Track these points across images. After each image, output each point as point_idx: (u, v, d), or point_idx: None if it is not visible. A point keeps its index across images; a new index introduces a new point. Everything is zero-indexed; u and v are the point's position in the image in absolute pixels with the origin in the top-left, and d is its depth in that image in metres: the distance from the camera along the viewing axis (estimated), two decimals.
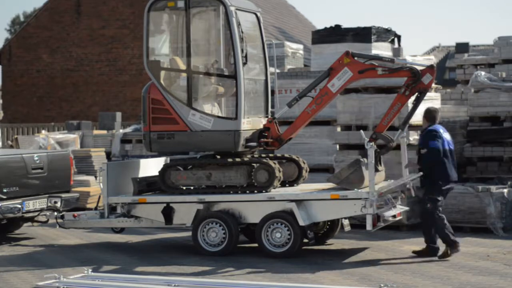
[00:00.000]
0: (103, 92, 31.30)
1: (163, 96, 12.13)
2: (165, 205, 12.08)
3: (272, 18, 35.09)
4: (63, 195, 13.53)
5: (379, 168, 11.87)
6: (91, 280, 9.86)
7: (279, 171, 11.91)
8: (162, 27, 12.86)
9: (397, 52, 15.32)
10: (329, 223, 12.51)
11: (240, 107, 11.90)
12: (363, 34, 14.98)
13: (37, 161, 13.46)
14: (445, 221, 11.39)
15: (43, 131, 23.11)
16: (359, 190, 11.35)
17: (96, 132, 20.69)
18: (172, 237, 13.66)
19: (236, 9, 12.01)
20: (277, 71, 14.25)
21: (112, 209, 12.52)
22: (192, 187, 12.16)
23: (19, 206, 12.91)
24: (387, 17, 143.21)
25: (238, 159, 11.98)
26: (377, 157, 11.75)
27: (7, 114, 32.38)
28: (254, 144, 12.06)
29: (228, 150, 12.06)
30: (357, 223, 12.88)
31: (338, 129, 14.69)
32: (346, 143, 14.33)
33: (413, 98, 12.04)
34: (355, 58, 11.84)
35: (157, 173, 12.36)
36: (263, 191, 11.82)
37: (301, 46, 20.52)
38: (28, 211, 13.18)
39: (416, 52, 57.88)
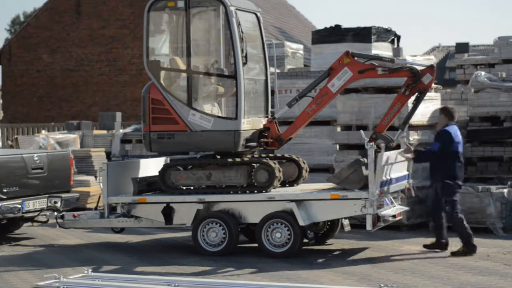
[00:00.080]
0: (103, 92, 31.30)
1: (163, 96, 12.13)
2: (165, 205, 12.08)
3: (272, 18, 35.09)
4: (63, 195, 13.53)
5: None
6: (91, 280, 9.86)
7: (279, 171, 11.91)
8: (162, 27, 12.85)
9: (397, 52, 15.31)
10: (329, 223, 12.51)
11: (240, 107, 11.90)
12: (363, 34, 14.98)
13: (37, 161, 13.46)
14: (465, 222, 11.54)
15: (43, 131, 23.11)
16: (359, 190, 11.35)
17: (96, 132, 20.69)
18: (172, 237, 13.66)
19: (236, 9, 12.01)
20: (277, 71, 14.25)
21: (112, 209, 12.52)
22: (192, 187, 12.16)
23: (19, 206, 12.91)
24: (387, 17, 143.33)
25: (238, 159, 11.98)
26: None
27: (7, 114, 32.38)
28: (254, 144, 12.06)
29: (228, 150, 12.06)
30: (357, 223, 12.88)
31: (338, 129, 14.69)
32: (346, 143, 14.33)
33: (413, 98, 12.05)
34: (355, 58, 11.84)
35: (157, 173, 12.36)
36: (263, 191, 11.82)
37: (301, 46, 20.51)
38: (28, 211, 13.18)
39: (416, 52, 57.91)
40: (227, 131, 11.93)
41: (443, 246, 11.76)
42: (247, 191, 11.92)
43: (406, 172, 12.37)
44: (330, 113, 14.58)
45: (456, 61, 19.65)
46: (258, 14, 12.80)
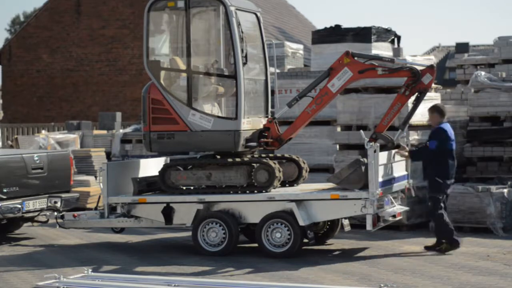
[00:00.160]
0: (103, 92, 31.31)
1: (163, 96, 12.12)
2: (165, 205, 12.08)
3: (272, 18, 35.09)
4: (63, 195, 13.53)
5: None
6: (91, 280, 9.86)
7: (279, 171, 11.91)
8: (162, 27, 12.85)
9: (397, 52, 15.31)
10: (329, 223, 12.51)
11: (240, 107, 11.90)
12: (363, 34, 14.98)
13: (37, 161, 13.46)
14: (446, 218, 11.61)
15: (43, 131, 23.11)
16: (359, 190, 11.35)
17: (96, 132, 20.69)
18: (172, 237, 13.66)
19: (236, 9, 12.01)
20: (277, 71, 14.25)
21: (112, 209, 12.52)
22: (192, 187, 12.16)
23: (19, 206, 12.91)
24: (387, 17, 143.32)
25: (238, 159, 11.98)
26: None
27: (7, 114, 32.38)
28: (254, 144, 12.06)
29: (228, 150, 12.06)
30: (357, 223, 12.88)
31: (338, 129, 14.68)
32: (346, 143, 14.33)
33: (413, 98, 12.06)
34: (355, 58, 11.84)
35: (157, 173, 12.36)
36: (263, 191, 11.82)
37: (301, 46, 20.51)
38: (28, 211, 13.18)
39: (416, 52, 57.91)
40: (227, 131, 11.92)
41: (455, 245, 11.74)
42: (247, 191, 11.92)
43: (405, 172, 12.38)
44: (330, 113, 14.58)
45: (456, 61, 19.65)
46: (258, 14, 12.80)
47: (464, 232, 13.16)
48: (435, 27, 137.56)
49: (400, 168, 12.22)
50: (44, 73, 32.03)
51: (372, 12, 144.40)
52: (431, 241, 11.98)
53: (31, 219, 13.95)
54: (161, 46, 12.92)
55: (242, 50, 11.90)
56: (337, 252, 12.05)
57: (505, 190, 13.39)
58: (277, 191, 11.92)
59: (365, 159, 11.39)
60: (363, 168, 11.36)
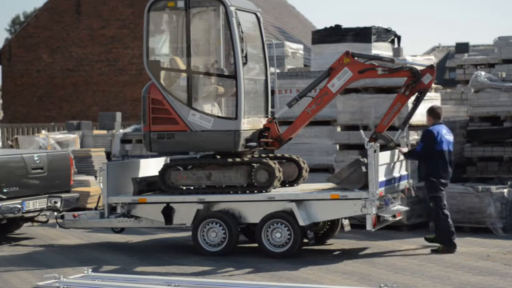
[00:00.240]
0: (103, 92, 31.31)
1: (163, 96, 12.12)
2: (165, 205, 12.08)
3: (272, 18, 35.08)
4: (63, 195, 13.53)
5: None
6: (91, 280, 9.86)
7: (279, 171, 11.91)
8: (162, 27, 12.85)
9: (397, 52, 15.31)
10: (329, 223, 12.51)
11: (240, 107, 11.90)
12: (363, 34, 14.98)
13: (37, 161, 13.46)
14: (449, 220, 11.65)
15: (43, 131, 23.11)
16: (359, 190, 11.35)
17: (96, 132, 20.69)
18: (172, 237, 13.66)
19: (236, 9, 12.01)
20: (277, 71, 14.24)
21: (112, 209, 12.52)
22: (192, 187, 12.16)
23: (19, 206, 12.91)
24: (387, 17, 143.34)
25: (238, 159, 11.98)
26: None
27: (7, 114, 32.39)
28: (254, 144, 12.06)
29: (228, 150, 12.06)
30: (357, 223, 12.88)
31: (338, 129, 14.68)
32: (346, 143, 14.33)
33: (413, 98, 12.06)
34: (355, 58, 11.85)
35: (157, 173, 12.36)
36: (263, 191, 11.82)
37: (301, 46, 20.51)
38: (28, 211, 13.19)
39: (416, 52, 57.90)
40: (227, 131, 11.92)
41: (452, 249, 11.77)
42: (247, 191, 11.91)
43: (405, 172, 12.38)
44: (330, 113, 14.58)
45: (456, 61, 19.65)
46: (258, 14, 12.79)
47: (464, 232, 13.17)
48: (435, 27, 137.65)
49: (400, 168, 12.21)
50: (44, 73, 32.03)
51: (372, 12, 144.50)
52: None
53: (31, 219, 13.95)
54: (161, 46, 12.92)
55: (242, 50, 11.90)
56: (337, 252, 12.05)
57: (505, 190, 13.39)
58: (277, 191, 11.92)
59: (365, 159, 11.39)
60: (363, 168, 11.36)
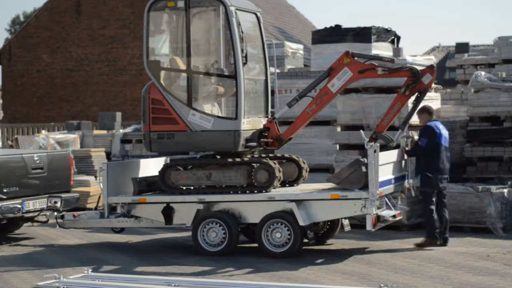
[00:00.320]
0: (103, 92, 31.31)
1: (163, 96, 12.12)
2: (165, 205, 12.08)
3: (272, 18, 35.09)
4: (63, 195, 13.53)
5: None
6: (91, 280, 9.86)
7: (279, 171, 11.91)
8: (162, 27, 12.85)
9: (397, 52, 15.31)
10: (329, 223, 12.51)
11: (240, 107, 11.90)
12: (363, 34, 14.99)
13: (37, 161, 13.46)
14: (434, 215, 11.89)
15: (43, 131, 23.11)
16: (359, 190, 11.35)
17: (96, 132, 20.69)
18: (172, 237, 13.66)
19: (236, 9, 12.01)
20: (277, 71, 14.25)
21: (112, 209, 12.52)
22: (192, 187, 12.16)
23: (19, 206, 12.91)
24: (387, 17, 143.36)
25: (238, 159, 11.98)
26: None
27: (7, 114, 32.38)
28: (254, 144, 12.06)
29: (228, 150, 12.06)
30: (357, 223, 12.88)
31: (338, 129, 14.69)
32: (346, 143, 14.33)
33: (413, 98, 12.07)
34: (355, 58, 11.85)
35: (157, 173, 12.36)
36: (263, 191, 11.82)
37: (301, 46, 20.51)
38: (28, 211, 13.19)
39: (416, 52, 57.88)
40: (227, 131, 11.92)
41: (433, 242, 12.01)
42: (247, 191, 11.91)
43: (405, 172, 12.38)
44: (330, 113, 14.58)
45: (456, 61, 19.64)
46: (258, 14, 12.80)
47: (464, 232, 13.18)
48: (435, 27, 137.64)
49: (399, 168, 12.21)
50: (44, 73, 32.02)
51: (372, 12, 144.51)
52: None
53: (31, 219, 13.95)
54: (161, 46, 12.92)
55: (242, 50, 11.90)
56: (337, 252, 12.05)
57: (505, 190, 13.39)
58: (277, 191, 11.92)
59: (365, 159, 11.39)
60: (363, 168, 11.37)
